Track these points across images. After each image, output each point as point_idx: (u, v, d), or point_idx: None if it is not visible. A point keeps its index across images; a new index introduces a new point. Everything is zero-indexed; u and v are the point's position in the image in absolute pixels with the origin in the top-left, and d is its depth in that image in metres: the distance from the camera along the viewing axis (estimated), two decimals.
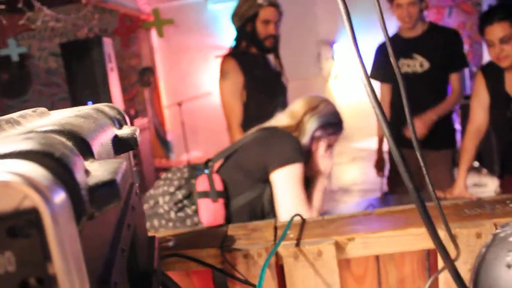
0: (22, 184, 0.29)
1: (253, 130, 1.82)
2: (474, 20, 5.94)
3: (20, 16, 4.04)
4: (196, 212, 1.61)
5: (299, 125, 1.73)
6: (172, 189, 1.66)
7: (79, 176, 0.35)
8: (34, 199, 0.29)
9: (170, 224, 1.62)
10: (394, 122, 2.82)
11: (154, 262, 0.67)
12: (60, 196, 0.31)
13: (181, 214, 1.62)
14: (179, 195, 1.64)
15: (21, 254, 0.29)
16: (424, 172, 0.68)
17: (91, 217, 0.37)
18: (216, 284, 0.93)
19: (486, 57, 4.82)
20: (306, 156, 1.70)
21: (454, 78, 2.66)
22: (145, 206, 1.68)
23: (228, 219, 1.63)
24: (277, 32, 2.57)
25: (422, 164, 0.67)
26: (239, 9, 2.54)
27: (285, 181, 1.60)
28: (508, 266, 0.41)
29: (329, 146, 1.80)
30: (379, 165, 3.07)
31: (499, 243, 0.44)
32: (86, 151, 0.45)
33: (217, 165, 1.73)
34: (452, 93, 2.68)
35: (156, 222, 1.63)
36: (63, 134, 0.44)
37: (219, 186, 1.63)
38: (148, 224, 1.60)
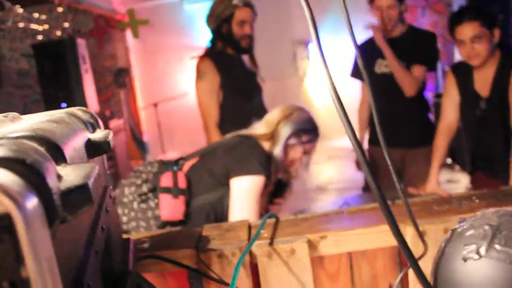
0: None
1: (229, 135, 1.88)
2: (447, 20, 6.07)
3: None
4: (158, 206, 1.67)
5: (273, 134, 1.78)
6: (139, 182, 1.72)
7: (51, 181, 0.36)
8: (7, 205, 0.30)
9: (132, 214, 1.68)
10: (371, 121, 2.87)
11: (129, 263, 0.68)
12: (32, 202, 0.32)
13: (143, 205, 1.68)
14: (144, 187, 1.70)
15: None
16: (392, 170, 0.70)
17: (63, 221, 0.38)
18: (191, 284, 0.94)
19: (458, 56, 4.93)
20: (276, 167, 1.76)
21: (416, 68, 2.67)
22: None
23: (187, 216, 1.68)
24: (253, 32, 2.59)
25: (389, 162, 0.69)
26: (214, 10, 2.55)
27: (242, 190, 1.66)
28: (464, 259, 0.44)
29: (306, 154, 1.85)
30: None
31: (457, 238, 0.46)
32: (59, 156, 0.46)
33: (189, 164, 1.77)
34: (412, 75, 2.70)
35: (119, 211, 1.69)
36: (35, 140, 0.45)
37: (182, 183, 1.69)
38: None
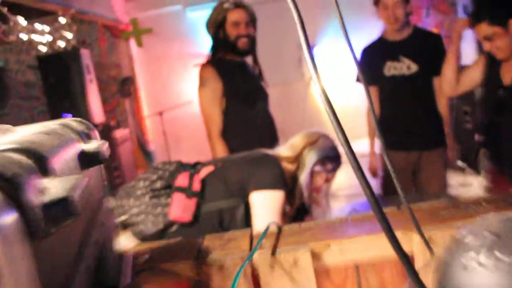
0: None
1: (256, 151, 1.92)
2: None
3: None
4: (168, 204, 1.68)
5: (298, 158, 1.81)
6: (154, 177, 1.75)
7: (32, 195, 0.35)
8: None
9: (143, 206, 1.69)
10: (383, 125, 2.84)
11: (126, 277, 0.66)
12: (10, 216, 0.31)
13: (155, 200, 1.69)
14: (158, 184, 1.72)
15: None
16: (393, 175, 0.68)
17: (46, 235, 0.36)
18: None
19: (464, 56, 4.89)
20: (301, 192, 1.79)
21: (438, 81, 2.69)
22: (127, 185, 1.80)
23: (196, 219, 1.68)
24: (250, 33, 2.58)
25: (390, 167, 0.67)
26: (211, 18, 2.59)
27: (263, 204, 1.69)
28: (464, 267, 0.42)
29: (327, 181, 1.89)
30: (372, 169, 3.09)
31: (456, 245, 0.44)
32: (45, 168, 0.45)
33: (206, 170, 1.78)
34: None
35: (131, 202, 1.70)
36: (21, 152, 0.43)
37: (196, 186, 1.70)
38: (124, 201, 1.70)
